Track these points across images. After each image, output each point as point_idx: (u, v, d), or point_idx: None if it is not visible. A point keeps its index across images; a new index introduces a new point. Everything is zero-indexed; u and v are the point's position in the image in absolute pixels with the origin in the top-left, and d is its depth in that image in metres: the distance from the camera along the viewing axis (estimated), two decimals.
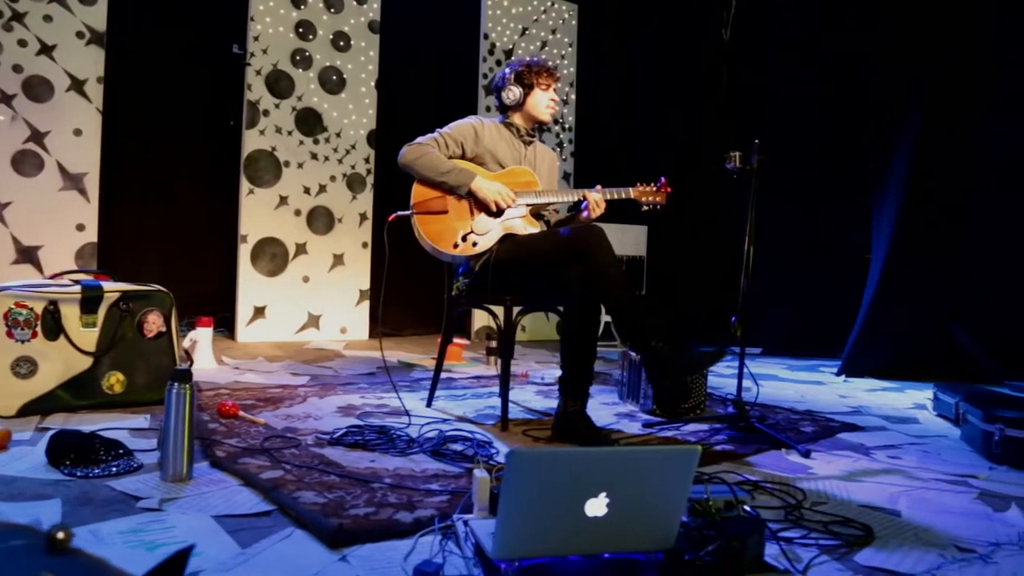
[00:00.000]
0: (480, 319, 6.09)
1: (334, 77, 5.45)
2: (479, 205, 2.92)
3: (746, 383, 4.13)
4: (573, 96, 6.57)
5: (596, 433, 2.66)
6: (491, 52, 6.15)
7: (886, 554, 1.68)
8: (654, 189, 3.09)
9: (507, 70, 3.14)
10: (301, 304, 5.37)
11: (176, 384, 2.04)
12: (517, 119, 3.14)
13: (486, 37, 6.13)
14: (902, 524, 1.89)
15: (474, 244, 2.89)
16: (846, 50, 5.56)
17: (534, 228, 3.00)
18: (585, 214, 3.02)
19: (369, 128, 5.62)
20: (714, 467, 2.40)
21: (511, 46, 6.24)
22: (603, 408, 3.35)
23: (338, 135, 5.49)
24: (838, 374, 4.82)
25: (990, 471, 2.52)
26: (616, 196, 3.07)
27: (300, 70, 5.31)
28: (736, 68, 6.51)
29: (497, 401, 3.38)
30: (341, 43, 5.47)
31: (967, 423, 2.92)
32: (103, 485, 1.95)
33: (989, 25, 4.88)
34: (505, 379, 2.86)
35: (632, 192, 3.09)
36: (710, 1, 6.57)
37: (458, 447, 2.49)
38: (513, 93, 3.08)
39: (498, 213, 2.93)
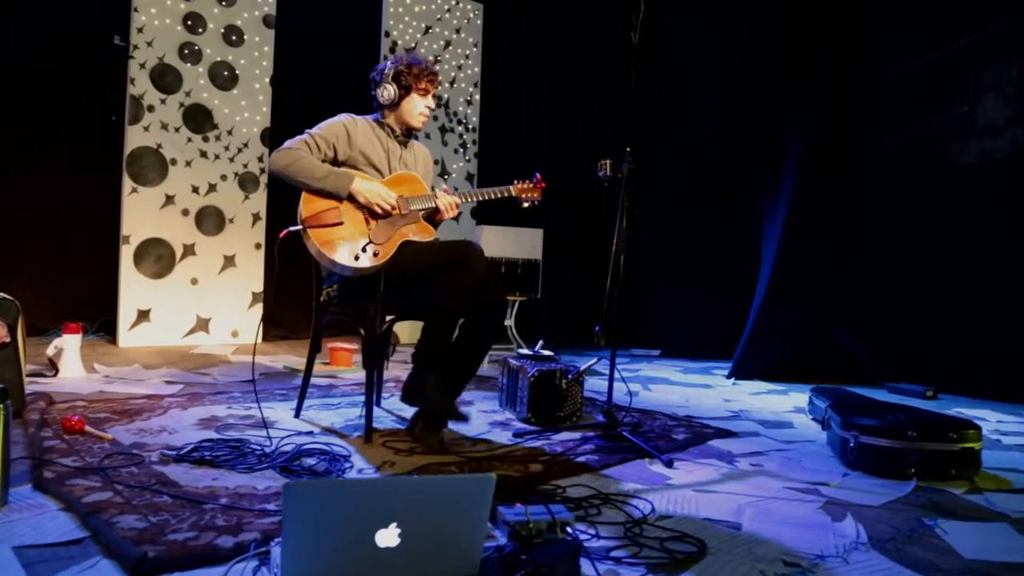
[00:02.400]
0: None
1: (225, 72, 5.27)
2: (374, 213, 2.81)
3: (635, 387, 4.16)
4: (477, 96, 6.52)
5: (438, 405, 2.69)
6: (392, 50, 6.04)
7: (712, 572, 1.67)
8: (531, 186, 3.08)
9: (388, 64, 3.00)
10: (189, 307, 5.17)
11: None
12: (391, 119, 3.00)
13: (387, 35, 6.03)
14: (739, 538, 1.89)
15: (375, 255, 2.74)
16: (742, 57, 5.65)
17: (431, 232, 2.92)
18: (439, 216, 2.97)
19: (263, 126, 5.45)
20: (572, 479, 2.38)
21: (413, 44, 6.15)
22: (480, 416, 3.30)
23: (230, 132, 5.31)
24: (728, 376, 4.90)
25: (844, 478, 2.56)
26: (496, 195, 3.02)
27: (188, 64, 5.11)
28: (645, 71, 6.55)
29: (376, 410, 3.31)
30: (233, 37, 5.29)
31: (831, 428, 2.97)
32: None
33: (872, 38, 5.05)
34: (369, 389, 2.79)
35: (512, 190, 3.06)
36: (618, 4, 6.60)
37: (312, 462, 2.41)
38: (388, 92, 2.94)
39: (385, 216, 2.81)
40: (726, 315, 5.65)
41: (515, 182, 3.08)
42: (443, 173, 6.30)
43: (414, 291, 2.76)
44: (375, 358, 2.82)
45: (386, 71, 2.98)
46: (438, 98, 6.26)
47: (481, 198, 3.03)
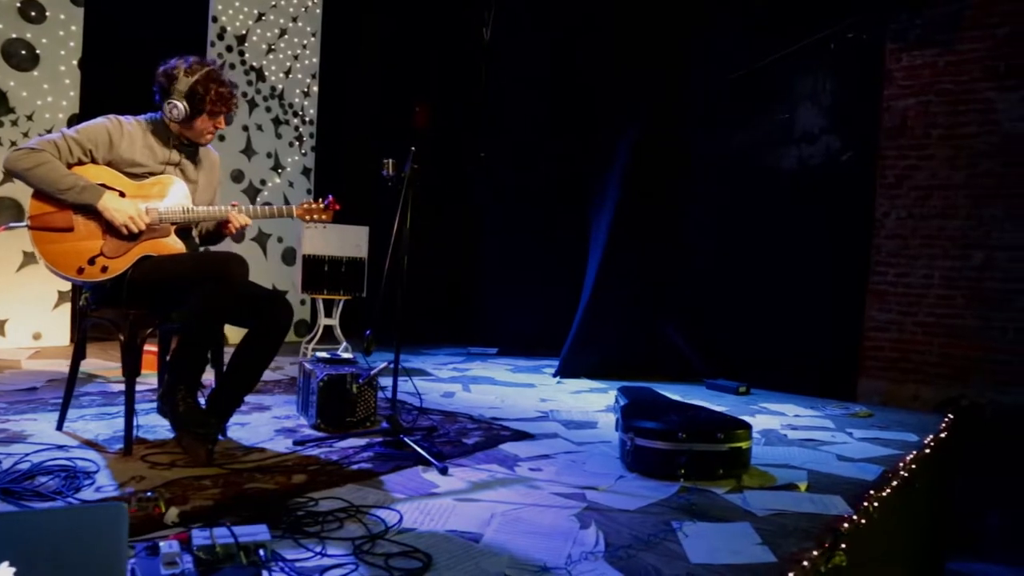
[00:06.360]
0: None
1: (23, 52, 4.84)
2: (116, 230, 2.59)
3: (455, 388, 4.10)
4: (315, 88, 6.30)
5: (192, 419, 2.54)
6: (220, 37, 5.75)
7: None
8: (321, 207, 2.91)
9: (180, 68, 2.73)
10: None
11: None
12: (174, 127, 2.77)
13: (215, 20, 5.72)
14: (472, 550, 1.85)
15: (103, 269, 2.58)
16: (576, 62, 5.70)
17: (178, 247, 2.73)
18: (226, 231, 2.85)
19: (71, 112, 5.06)
20: (333, 490, 2.28)
21: (244, 32, 5.87)
22: (272, 422, 3.16)
23: (30, 118, 4.89)
24: (555, 375, 4.92)
25: (617, 481, 2.57)
26: (279, 215, 2.89)
27: None
28: (495, 68, 6.51)
29: (155, 419, 3.10)
30: (32, 13, 4.87)
31: (619, 429, 3.00)
32: None
33: (698, 48, 5.22)
34: (130, 398, 2.60)
35: (296, 210, 2.89)
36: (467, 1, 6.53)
37: (45, 480, 2.21)
38: (178, 110, 2.69)
39: (131, 236, 2.62)
40: (562, 312, 5.67)
41: (304, 202, 2.93)
42: (277, 167, 6.06)
43: (164, 301, 2.60)
44: (133, 366, 2.63)
45: (178, 81, 2.70)
46: (272, 88, 6.03)
47: (262, 216, 2.88)
